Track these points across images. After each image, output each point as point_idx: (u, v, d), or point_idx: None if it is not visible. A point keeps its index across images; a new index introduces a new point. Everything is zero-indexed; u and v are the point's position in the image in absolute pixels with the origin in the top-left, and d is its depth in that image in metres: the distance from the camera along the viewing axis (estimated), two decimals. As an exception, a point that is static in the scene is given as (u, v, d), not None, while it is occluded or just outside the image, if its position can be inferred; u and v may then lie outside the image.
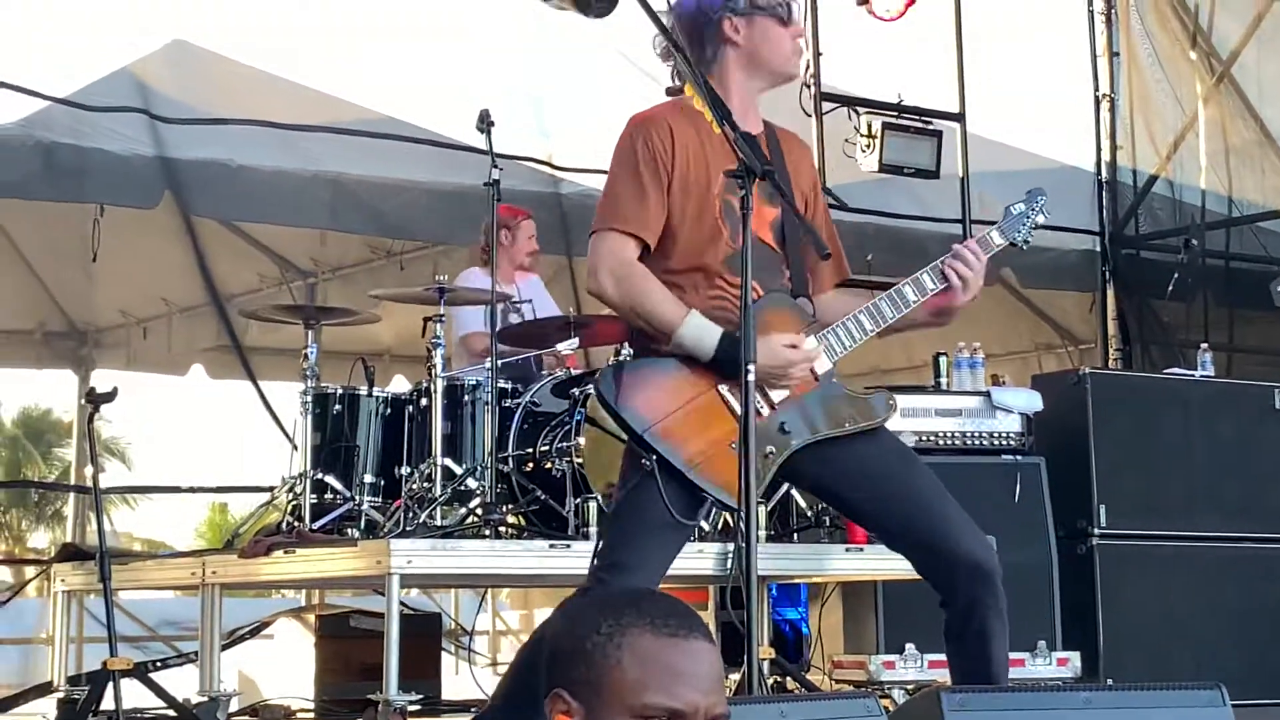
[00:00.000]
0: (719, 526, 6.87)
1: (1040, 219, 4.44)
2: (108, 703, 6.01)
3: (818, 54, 9.02)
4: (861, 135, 9.04)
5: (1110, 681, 7.50)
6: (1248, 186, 10.65)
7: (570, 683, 2.24)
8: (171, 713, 6.32)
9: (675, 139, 4.11)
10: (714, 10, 4.20)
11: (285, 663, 8.18)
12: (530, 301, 7.79)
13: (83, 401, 6.86)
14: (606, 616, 2.27)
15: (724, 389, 4.03)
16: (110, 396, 6.23)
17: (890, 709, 7.12)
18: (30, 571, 9.47)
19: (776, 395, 4.09)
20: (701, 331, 4.00)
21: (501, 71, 9.65)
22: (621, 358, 4.35)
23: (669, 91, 4.33)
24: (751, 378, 3.65)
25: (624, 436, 4.11)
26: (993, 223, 4.49)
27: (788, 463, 4.12)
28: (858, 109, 9.06)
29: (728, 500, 4.04)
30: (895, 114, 9.13)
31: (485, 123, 6.65)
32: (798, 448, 4.09)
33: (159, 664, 7.24)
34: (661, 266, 4.10)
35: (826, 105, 8.93)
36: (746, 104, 4.24)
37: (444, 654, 8.50)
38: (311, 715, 7.74)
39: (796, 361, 4.09)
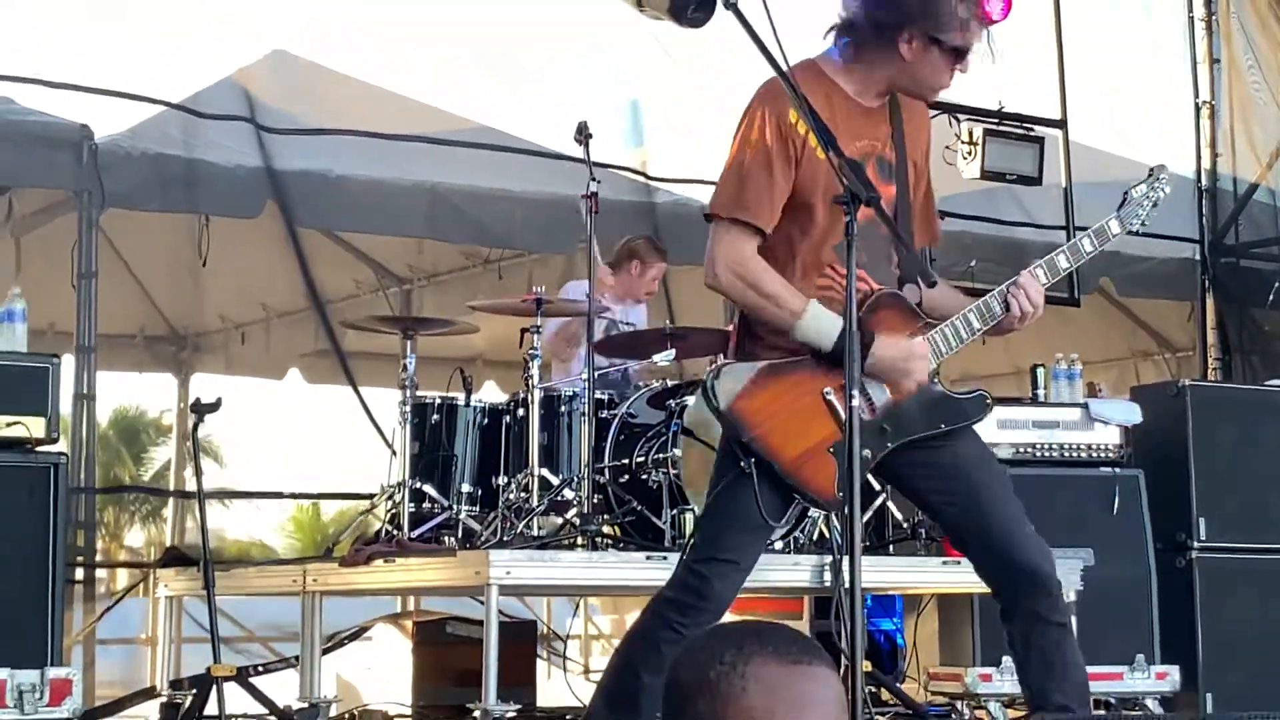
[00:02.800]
0: (814, 538, 6.88)
1: (1161, 195, 4.42)
2: (211, 707, 6.09)
3: (916, 62, 8.98)
4: (963, 142, 8.99)
5: (1210, 697, 7.45)
6: (1349, 194, 10.53)
7: (695, 715, 2.21)
8: (273, 719, 6.39)
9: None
10: (904, 21, 4.13)
11: (383, 668, 8.25)
12: (633, 325, 7.82)
13: (189, 411, 6.95)
14: (728, 646, 2.23)
15: (828, 392, 4.06)
16: (215, 407, 6.31)
17: (985, 719, 7.15)
18: (133, 576, 9.60)
19: (879, 399, 4.11)
20: (822, 321, 4.03)
21: (597, 81, 9.68)
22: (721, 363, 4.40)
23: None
24: (856, 403, 3.67)
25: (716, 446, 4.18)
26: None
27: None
28: (958, 116, 9.01)
29: (824, 504, 4.20)
30: (996, 120, 9.08)
31: (583, 135, 6.68)
32: (892, 448, 4.15)
33: (260, 668, 7.33)
34: (772, 249, 4.12)
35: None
36: (879, 85, 4.25)
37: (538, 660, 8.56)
38: (408, 721, 7.82)
39: (915, 368, 4.13)
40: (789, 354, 4.11)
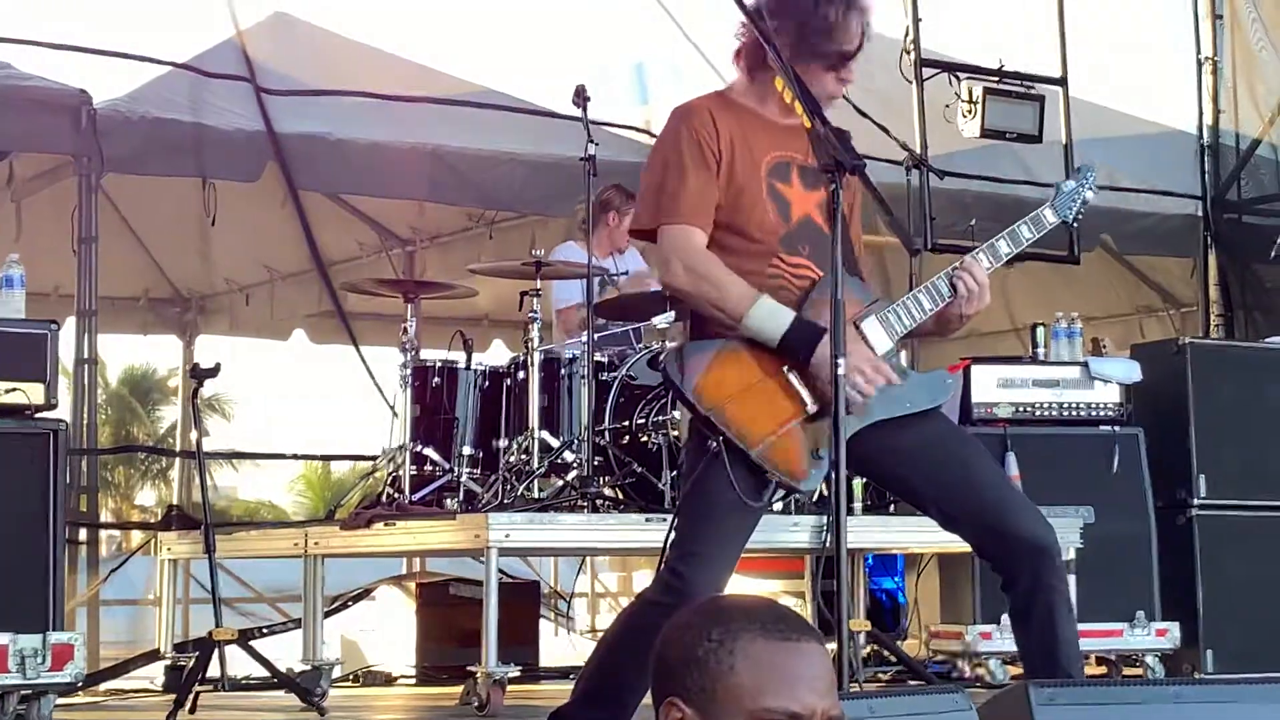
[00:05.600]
0: (814, 498, 6.89)
1: (1089, 195, 4.48)
2: (214, 670, 6.12)
3: (917, 20, 8.95)
4: (962, 101, 8.97)
5: (1210, 653, 7.48)
6: (1351, 150, 10.48)
7: (684, 691, 2.22)
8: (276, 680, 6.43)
9: (719, 127, 4.09)
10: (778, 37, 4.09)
11: (387, 628, 8.30)
12: (627, 273, 7.82)
13: (188, 375, 6.97)
14: (716, 623, 2.24)
15: (789, 369, 4.02)
16: (213, 372, 6.32)
17: (986, 676, 7.18)
18: (137, 536, 9.63)
19: None
20: (772, 316, 3.99)
21: (599, 39, 9.67)
22: (678, 343, 4.35)
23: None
24: (842, 370, 3.66)
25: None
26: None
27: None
28: (958, 74, 8.98)
29: (793, 484, 4.03)
30: (996, 79, 9.05)
31: (581, 97, 6.68)
32: (855, 431, 4.00)
33: (264, 631, 7.38)
34: (716, 251, 4.08)
35: (927, 71, 8.86)
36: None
37: (542, 619, 8.61)
38: (413, 681, 7.87)
39: (864, 381, 4.00)
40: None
